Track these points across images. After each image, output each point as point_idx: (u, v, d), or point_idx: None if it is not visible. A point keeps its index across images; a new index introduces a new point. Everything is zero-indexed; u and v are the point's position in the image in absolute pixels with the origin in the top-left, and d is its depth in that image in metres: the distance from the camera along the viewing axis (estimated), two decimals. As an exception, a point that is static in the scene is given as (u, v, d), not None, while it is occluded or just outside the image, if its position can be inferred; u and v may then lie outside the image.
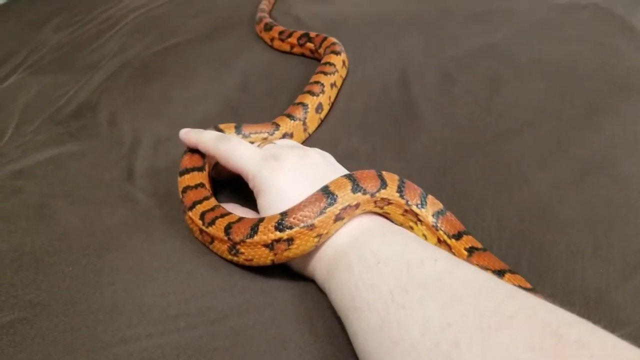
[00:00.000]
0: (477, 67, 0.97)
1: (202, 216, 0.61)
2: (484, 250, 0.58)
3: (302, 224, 0.55)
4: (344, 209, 0.56)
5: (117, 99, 0.99)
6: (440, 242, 0.60)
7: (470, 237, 0.59)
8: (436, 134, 0.82)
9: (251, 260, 0.57)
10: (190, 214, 0.63)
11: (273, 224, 0.55)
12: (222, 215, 0.60)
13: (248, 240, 0.56)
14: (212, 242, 0.61)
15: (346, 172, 0.65)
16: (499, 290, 0.45)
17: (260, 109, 0.95)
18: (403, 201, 0.60)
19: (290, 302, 0.58)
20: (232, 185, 0.73)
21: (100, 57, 1.16)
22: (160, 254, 0.63)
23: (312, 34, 1.07)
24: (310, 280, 0.59)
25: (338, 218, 0.56)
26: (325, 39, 1.04)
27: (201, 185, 0.67)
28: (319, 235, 0.56)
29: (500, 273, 0.55)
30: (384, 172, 0.61)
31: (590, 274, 0.59)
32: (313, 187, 0.58)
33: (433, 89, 0.93)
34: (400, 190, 0.60)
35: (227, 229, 0.58)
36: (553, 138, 0.78)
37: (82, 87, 1.05)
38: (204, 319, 0.56)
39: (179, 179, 0.68)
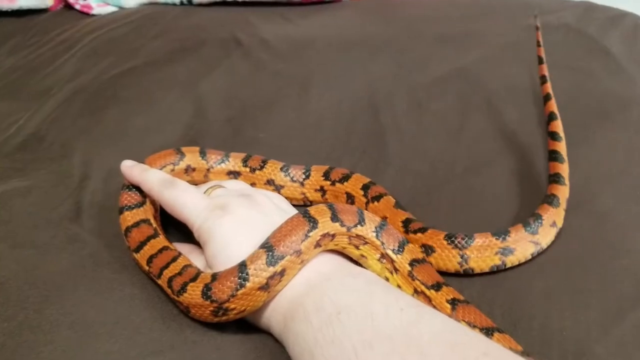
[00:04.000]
0: (448, 93, 0.95)
1: (169, 283, 0.56)
2: (468, 303, 0.54)
3: (291, 251, 0.52)
4: (324, 235, 0.54)
5: (68, 129, 0.94)
6: (417, 293, 0.56)
7: (450, 288, 0.56)
8: (405, 167, 0.79)
9: (244, 310, 0.52)
10: (159, 282, 0.58)
11: (263, 260, 0.51)
12: (193, 278, 0.54)
13: (240, 292, 0.51)
14: (189, 311, 0.55)
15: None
16: (472, 346, 0.42)
17: (221, 138, 0.91)
18: (378, 242, 0.57)
19: (246, 357, 0.53)
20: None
21: (54, 82, 1.10)
22: (107, 307, 0.59)
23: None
24: (267, 333, 0.55)
25: (317, 245, 0.54)
26: None
27: (145, 221, 0.63)
28: (302, 262, 0.53)
29: (487, 331, 0.51)
30: (366, 212, 0.58)
31: (569, 322, 0.56)
32: (262, 234, 0.55)
33: (402, 117, 0.90)
34: (377, 230, 0.57)
35: (206, 291, 0.52)
36: (525, 171, 0.75)
37: (33, 115, 0.99)
38: (149, 381, 0.51)
39: (120, 216, 0.64)
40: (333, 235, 0.55)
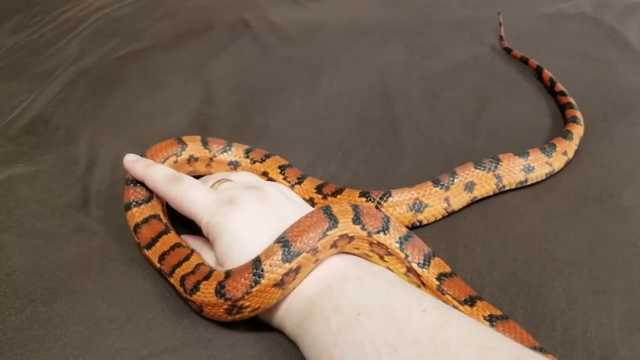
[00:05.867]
0: (463, 82, 0.93)
1: (182, 282, 0.54)
2: (507, 318, 0.52)
3: (308, 248, 0.50)
4: (342, 236, 0.52)
5: (74, 112, 0.92)
6: None
7: (485, 302, 0.53)
8: (420, 158, 0.77)
9: (258, 308, 0.50)
10: (171, 280, 0.56)
11: (278, 256, 0.49)
12: (206, 277, 0.52)
13: (254, 289, 0.49)
14: (201, 311, 0.53)
15: (311, 209, 0.59)
16: (503, 350, 0.40)
17: (231, 125, 0.89)
18: (402, 254, 0.54)
19: (259, 357, 0.52)
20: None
21: (58, 63, 1.08)
22: (117, 301, 0.57)
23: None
24: (281, 332, 0.53)
25: (334, 245, 0.52)
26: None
27: (155, 217, 0.61)
28: (317, 261, 0.51)
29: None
30: (393, 221, 0.56)
31: (593, 324, 0.54)
32: (274, 230, 0.53)
33: (417, 106, 0.88)
34: (401, 241, 0.55)
35: (220, 289, 0.50)
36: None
37: (37, 97, 0.97)
38: (161, 380, 0.49)
39: (127, 213, 0.62)
40: (351, 238, 0.53)
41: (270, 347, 0.53)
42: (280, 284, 0.49)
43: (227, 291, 0.49)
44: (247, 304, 0.50)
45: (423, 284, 0.54)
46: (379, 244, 0.54)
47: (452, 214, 0.68)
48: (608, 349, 0.52)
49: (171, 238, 0.59)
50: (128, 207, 0.62)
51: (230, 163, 0.71)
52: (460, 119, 0.84)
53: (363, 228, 0.53)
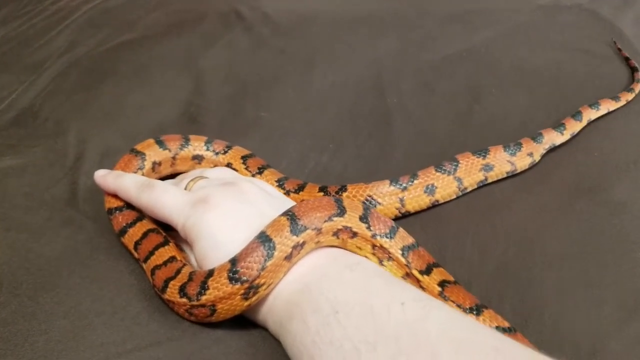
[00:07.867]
0: (457, 74, 0.92)
1: (182, 291, 0.52)
2: (515, 331, 0.51)
3: (313, 226, 0.51)
4: (345, 228, 0.53)
5: (63, 104, 0.91)
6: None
7: (491, 311, 0.53)
8: (412, 150, 0.77)
9: (271, 283, 0.50)
10: (165, 296, 0.54)
11: (287, 229, 0.49)
12: (209, 275, 0.51)
13: (269, 263, 0.49)
14: (214, 311, 0.51)
15: (291, 204, 0.57)
16: (483, 341, 0.40)
17: (221, 116, 0.88)
18: (403, 260, 0.54)
19: (245, 351, 0.52)
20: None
21: (48, 54, 1.07)
22: (103, 295, 0.57)
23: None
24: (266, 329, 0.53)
25: (335, 234, 0.53)
26: None
27: (153, 230, 0.60)
28: (318, 243, 0.52)
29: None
30: (402, 229, 0.56)
31: (581, 317, 0.54)
32: (251, 227, 0.52)
33: (410, 98, 0.88)
34: (405, 249, 0.55)
35: (233, 275, 0.49)
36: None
37: (26, 89, 0.96)
38: (145, 374, 0.49)
39: (124, 237, 0.60)
40: (354, 234, 0.53)
41: (255, 341, 0.52)
42: (289, 257, 0.49)
43: (242, 274, 0.48)
44: (262, 281, 0.49)
45: (423, 289, 0.54)
46: (381, 247, 0.54)
47: (406, 215, 0.67)
48: (597, 342, 0.52)
49: (167, 250, 0.57)
50: (123, 232, 0.60)
51: (195, 157, 0.70)
52: (453, 112, 0.84)
53: (368, 228, 0.54)
